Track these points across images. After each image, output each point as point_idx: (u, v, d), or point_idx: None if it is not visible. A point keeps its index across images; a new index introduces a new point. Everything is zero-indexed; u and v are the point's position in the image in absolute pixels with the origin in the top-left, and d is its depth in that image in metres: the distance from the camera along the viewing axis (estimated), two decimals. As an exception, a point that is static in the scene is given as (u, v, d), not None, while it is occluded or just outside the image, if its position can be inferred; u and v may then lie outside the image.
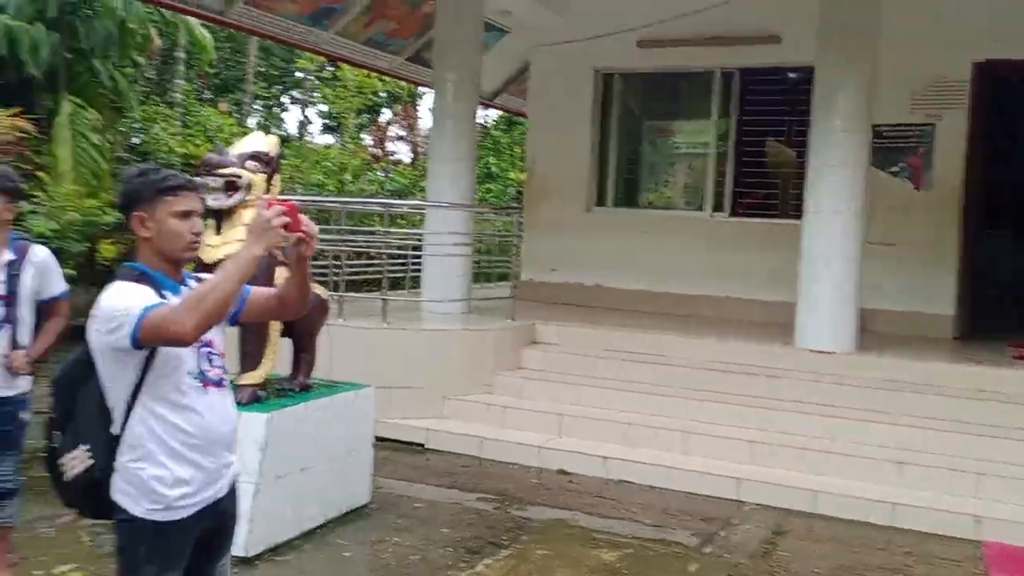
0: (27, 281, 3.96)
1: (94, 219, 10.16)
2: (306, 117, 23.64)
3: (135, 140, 14.04)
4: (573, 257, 10.13)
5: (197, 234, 2.63)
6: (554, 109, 10.40)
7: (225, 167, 4.86)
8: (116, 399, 2.54)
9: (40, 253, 4.07)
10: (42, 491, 5.02)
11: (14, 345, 3.91)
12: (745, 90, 9.73)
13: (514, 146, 20.39)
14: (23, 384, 4.01)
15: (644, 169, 10.61)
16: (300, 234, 2.47)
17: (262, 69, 21.76)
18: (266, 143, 5.10)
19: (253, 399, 4.90)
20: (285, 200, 2.47)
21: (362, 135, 22.35)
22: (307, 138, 22.18)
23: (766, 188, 9.86)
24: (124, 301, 2.42)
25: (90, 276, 11.09)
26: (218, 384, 2.69)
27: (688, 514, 5.79)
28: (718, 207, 9.86)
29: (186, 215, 2.58)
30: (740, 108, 9.75)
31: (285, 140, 19.22)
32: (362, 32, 10.34)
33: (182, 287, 2.65)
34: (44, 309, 4.12)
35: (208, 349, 2.66)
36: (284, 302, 2.76)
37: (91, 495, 2.61)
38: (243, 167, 4.89)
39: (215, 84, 21.49)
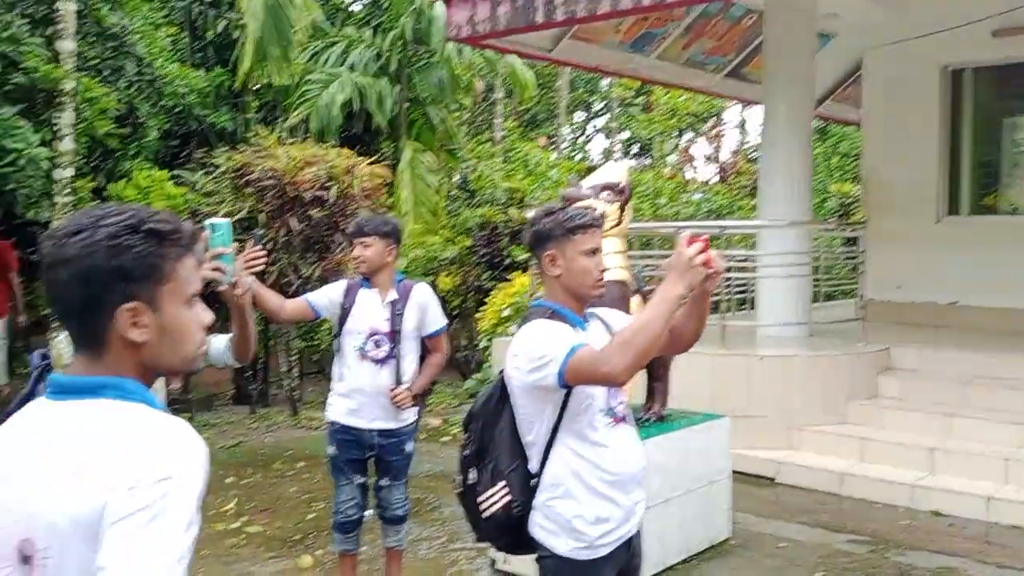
0: (410, 319, 4.20)
1: (436, 255, 10.88)
2: (612, 144, 24.01)
3: (460, 177, 14.98)
4: (922, 273, 9.23)
5: (604, 271, 2.60)
6: (893, 112, 9.60)
7: (581, 200, 4.91)
8: (534, 436, 2.56)
9: (422, 292, 4.30)
10: (414, 512, 5.34)
11: (398, 380, 4.15)
12: None
13: (831, 156, 19.28)
14: (409, 416, 4.26)
15: (1004, 172, 9.47)
16: (712, 270, 2.36)
17: (573, 101, 22.43)
18: (618, 173, 5.09)
19: (615, 430, 4.87)
20: (699, 236, 2.36)
21: (669, 158, 22.28)
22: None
23: None
24: (547, 341, 2.43)
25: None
26: (624, 420, 2.65)
27: (1110, 570, 4.96)
28: (1104, 209, 8.55)
29: (593, 252, 2.57)
30: None
31: (590, 169, 19.64)
32: (680, 54, 10.24)
33: (587, 323, 2.64)
34: (425, 344, 4.37)
35: (614, 386, 2.62)
36: (678, 336, 2.64)
37: (508, 531, 2.65)
38: (598, 198, 4.92)
39: (527, 120, 22.47)
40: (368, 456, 4.21)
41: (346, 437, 4.15)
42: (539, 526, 2.57)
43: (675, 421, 5.20)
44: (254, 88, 11.24)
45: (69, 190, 7.22)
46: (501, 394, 2.67)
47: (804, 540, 5.46)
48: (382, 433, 4.15)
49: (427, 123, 13.44)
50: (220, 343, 2.98)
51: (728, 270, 9.40)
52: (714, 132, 22.16)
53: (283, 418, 8.81)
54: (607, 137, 25.59)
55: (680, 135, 23.53)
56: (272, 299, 3.97)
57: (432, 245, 11.13)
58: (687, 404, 5.76)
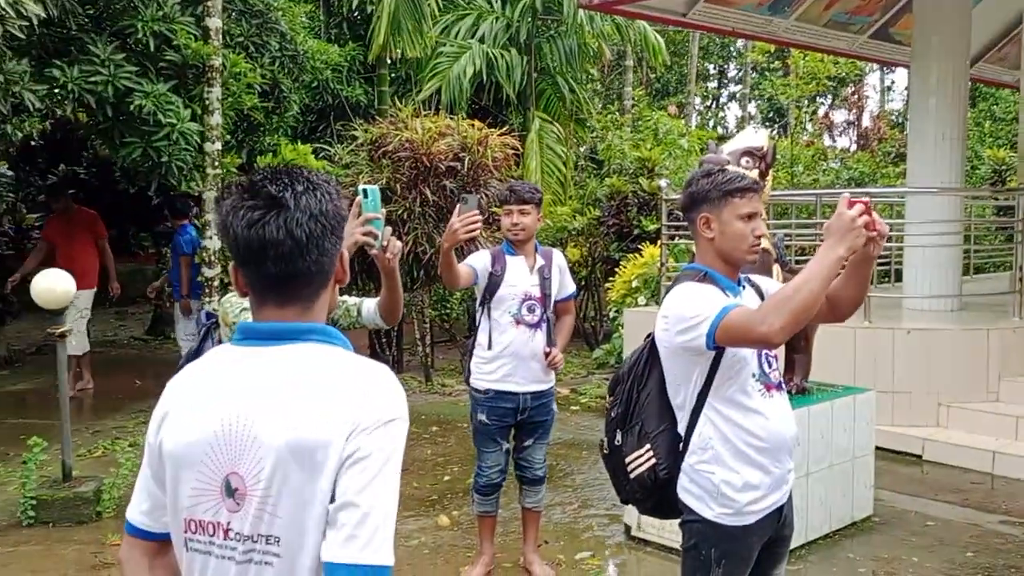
0: (555, 283, 4.25)
1: (565, 225, 10.88)
2: (747, 112, 23.34)
3: (588, 147, 14.87)
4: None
5: (759, 236, 2.54)
6: (1056, 72, 8.96)
7: (720, 166, 4.80)
8: (682, 399, 2.53)
9: (560, 257, 4.37)
10: (547, 478, 5.37)
11: (549, 343, 4.21)
12: None
13: (983, 121, 18.18)
14: (552, 377, 4.32)
15: None
16: (874, 233, 2.27)
17: (704, 69, 21.89)
18: (759, 138, 4.95)
19: (755, 401, 4.77)
20: (860, 198, 2.28)
21: (806, 125, 21.46)
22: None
23: None
24: (698, 303, 2.40)
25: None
26: (778, 387, 2.60)
27: None
28: None
29: (750, 217, 2.51)
30: None
31: (722, 137, 19.16)
32: (822, 15, 9.81)
33: (740, 288, 2.58)
34: (557, 308, 4.40)
35: (767, 352, 2.56)
36: (835, 303, 2.55)
37: (653, 494, 2.63)
38: (738, 164, 4.80)
39: (656, 89, 22.11)
40: (518, 420, 4.25)
41: (501, 403, 4.18)
42: (685, 490, 2.55)
43: (817, 394, 5.05)
44: (388, 62, 11.47)
45: (218, 163, 7.56)
46: (648, 357, 2.65)
47: (953, 519, 5.23)
48: (534, 396, 4.21)
49: (556, 93, 13.40)
50: (371, 305, 3.08)
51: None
52: (855, 97, 21.16)
53: (417, 384, 9.03)
54: (741, 105, 24.90)
55: (814, 101, 22.60)
56: (457, 268, 3.95)
57: (560, 215, 11.13)
58: (827, 378, 5.59)
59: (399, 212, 8.11)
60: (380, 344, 9.63)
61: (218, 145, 7.55)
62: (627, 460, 2.65)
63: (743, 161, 4.82)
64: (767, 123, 25.21)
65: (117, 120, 7.12)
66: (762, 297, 2.63)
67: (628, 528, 4.91)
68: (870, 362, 6.73)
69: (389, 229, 2.83)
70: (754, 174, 4.80)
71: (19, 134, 11.10)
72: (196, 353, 2.87)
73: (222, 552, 1.41)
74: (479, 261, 4.18)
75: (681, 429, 2.55)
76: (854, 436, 5.10)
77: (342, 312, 3.08)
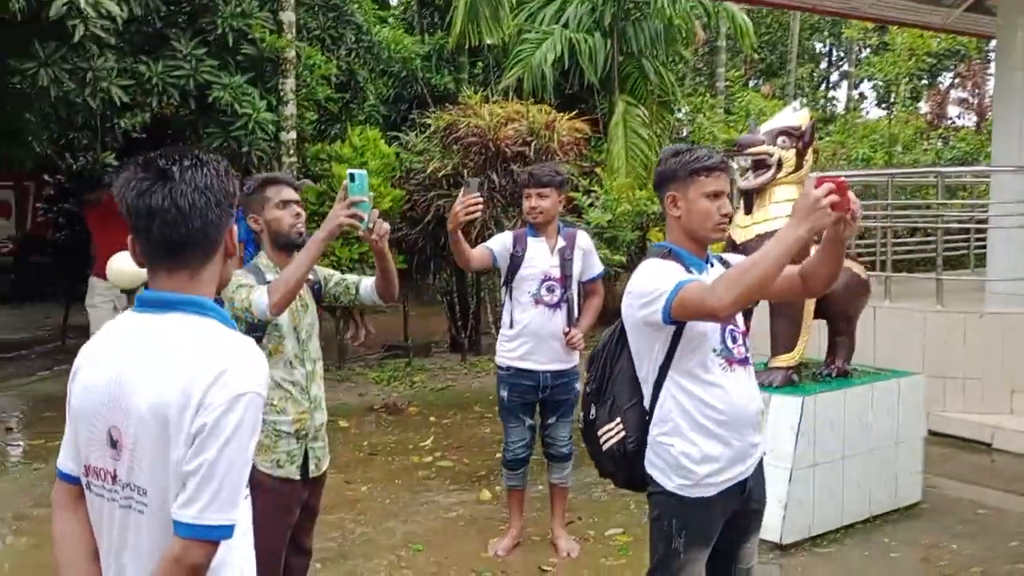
0: (577, 264, 4.33)
1: (644, 209, 10.82)
2: (858, 92, 22.51)
3: (676, 130, 14.67)
4: None
5: (725, 215, 2.58)
6: None
7: (754, 146, 4.77)
8: (646, 373, 2.60)
9: (585, 238, 4.44)
10: (589, 460, 5.45)
11: (569, 323, 4.30)
12: None
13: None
14: (576, 357, 4.40)
15: None
16: (841, 214, 2.26)
17: (808, 48, 21.23)
18: (797, 117, 4.89)
19: (787, 382, 4.73)
20: (835, 177, 2.27)
21: (918, 102, 20.52)
22: (860, 112, 21.10)
23: None
24: (657, 278, 2.47)
25: (641, 262, 11.91)
26: (742, 363, 2.62)
27: None
28: None
29: (716, 195, 2.55)
30: None
31: (826, 120, 18.53)
32: (911, -12, 9.44)
33: (707, 266, 2.63)
34: (584, 289, 4.48)
35: (732, 327, 2.60)
36: (809, 280, 2.56)
37: (624, 466, 2.71)
38: (774, 144, 4.76)
39: (759, 70, 21.59)
40: (541, 398, 4.36)
41: (521, 381, 4.31)
42: (650, 462, 2.61)
43: (857, 377, 4.95)
44: (476, 49, 11.64)
45: (293, 151, 7.91)
46: (621, 333, 2.72)
47: (1008, 508, 5.07)
48: (554, 374, 4.30)
49: (642, 76, 13.28)
50: (368, 284, 3.25)
51: (964, 222, 8.68)
52: (971, 72, 20.04)
53: (491, 366, 9.18)
54: (851, 84, 24.01)
55: (934, 77, 21.53)
56: (466, 249, 4.17)
57: (641, 199, 11.07)
58: (890, 362, 5.47)
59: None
60: (457, 328, 9.87)
61: (293, 134, 7.89)
62: (600, 433, 2.73)
63: (780, 140, 4.79)
64: (881, 103, 24.23)
65: (201, 112, 7.55)
66: (731, 273, 2.66)
67: (662, 507, 4.94)
68: (940, 347, 6.52)
69: (376, 212, 2.99)
70: (791, 153, 4.77)
71: (125, 125, 11.86)
72: None
73: (111, 496, 1.60)
74: (499, 243, 4.31)
75: (646, 403, 2.62)
76: (900, 420, 4.97)
77: (342, 290, 3.26)
